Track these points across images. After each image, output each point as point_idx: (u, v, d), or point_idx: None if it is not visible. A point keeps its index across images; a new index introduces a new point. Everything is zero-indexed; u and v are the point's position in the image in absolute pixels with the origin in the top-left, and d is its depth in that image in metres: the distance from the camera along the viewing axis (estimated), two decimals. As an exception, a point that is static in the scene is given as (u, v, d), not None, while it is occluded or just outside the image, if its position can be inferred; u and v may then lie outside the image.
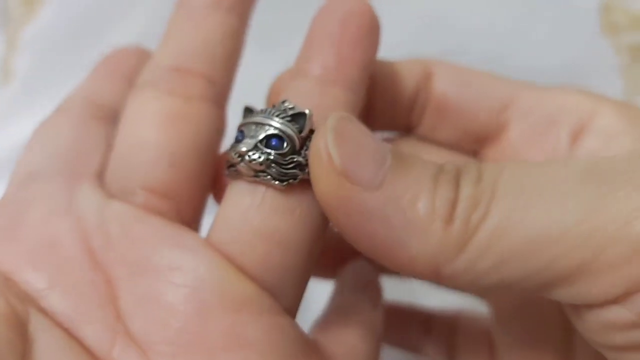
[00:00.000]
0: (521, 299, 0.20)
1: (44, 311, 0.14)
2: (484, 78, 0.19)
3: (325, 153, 0.14)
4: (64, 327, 0.14)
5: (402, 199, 0.14)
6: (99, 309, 0.14)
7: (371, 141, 0.14)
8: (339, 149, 0.14)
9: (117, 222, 0.15)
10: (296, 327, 0.16)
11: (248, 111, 0.16)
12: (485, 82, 0.19)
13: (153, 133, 0.16)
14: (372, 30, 0.17)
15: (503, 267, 0.13)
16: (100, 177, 0.17)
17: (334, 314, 0.19)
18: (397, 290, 0.25)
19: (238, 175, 0.16)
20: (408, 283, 0.25)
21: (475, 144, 0.20)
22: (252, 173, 0.15)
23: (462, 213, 0.14)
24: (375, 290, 0.20)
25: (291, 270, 0.16)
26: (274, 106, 0.16)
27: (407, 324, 0.24)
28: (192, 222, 0.17)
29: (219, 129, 0.18)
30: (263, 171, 0.15)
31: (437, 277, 0.14)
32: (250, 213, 0.15)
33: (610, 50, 0.33)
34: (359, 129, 0.15)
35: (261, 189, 0.15)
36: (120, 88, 0.19)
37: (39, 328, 0.14)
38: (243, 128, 0.16)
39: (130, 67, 0.20)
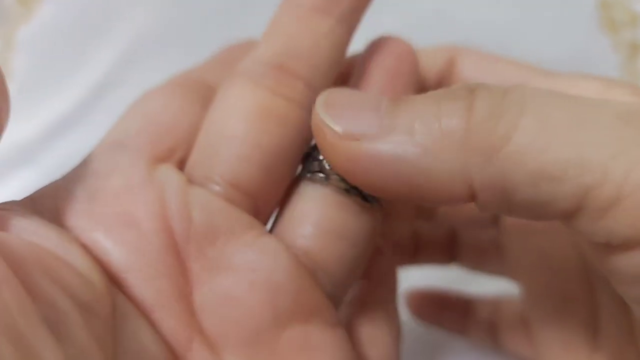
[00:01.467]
0: (550, 275, 0.21)
1: (125, 293, 0.13)
2: (504, 63, 0.20)
3: (323, 126, 0.15)
4: (144, 315, 0.13)
5: (408, 132, 0.14)
6: (177, 301, 0.14)
7: (359, 95, 0.15)
8: (332, 116, 0.15)
9: (200, 208, 0.15)
10: (348, 339, 0.16)
11: None
12: (504, 67, 0.20)
13: (245, 127, 0.16)
14: (416, 65, 0.19)
15: (537, 184, 0.13)
16: (183, 159, 0.16)
17: (361, 310, 0.18)
18: (440, 280, 0.27)
19: (325, 182, 0.16)
20: (450, 272, 0.26)
21: None
22: (344, 186, 0.16)
23: (481, 123, 0.13)
24: (393, 281, 0.20)
25: (358, 269, 0.16)
26: None
27: (449, 308, 0.26)
28: (264, 222, 0.17)
29: (309, 136, 0.17)
30: (355, 188, 0.16)
31: (473, 194, 0.14)
32: (331, 212, 0.16)
33: (609, 47, 0.33)
34: (344, 91, 0.15)
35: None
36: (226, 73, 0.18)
37: (124, 311, 0.13)
38: None
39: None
